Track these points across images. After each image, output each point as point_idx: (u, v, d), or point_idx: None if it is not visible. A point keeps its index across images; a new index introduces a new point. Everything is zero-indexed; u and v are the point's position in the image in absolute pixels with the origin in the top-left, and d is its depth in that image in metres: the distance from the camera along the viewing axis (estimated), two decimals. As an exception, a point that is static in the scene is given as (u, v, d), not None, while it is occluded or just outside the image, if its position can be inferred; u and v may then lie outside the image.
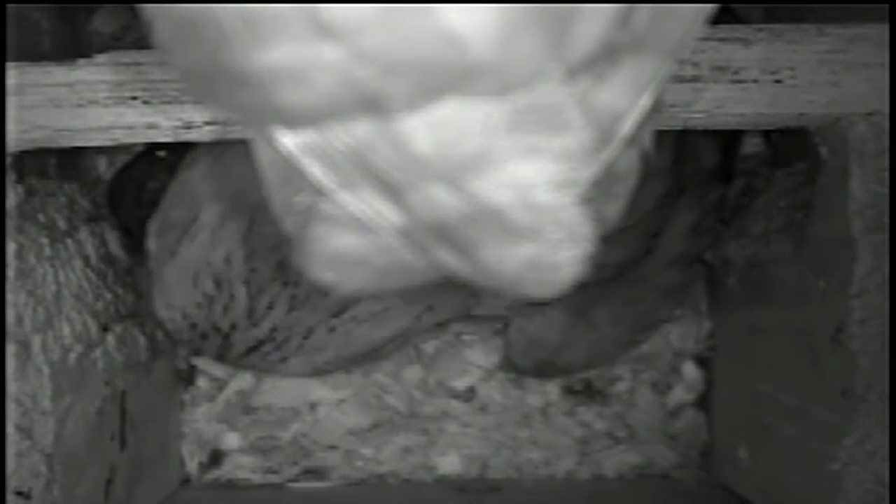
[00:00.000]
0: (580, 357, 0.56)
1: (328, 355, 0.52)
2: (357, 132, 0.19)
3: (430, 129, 0.19)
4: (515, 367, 0.58)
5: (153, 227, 0.49)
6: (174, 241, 0.48)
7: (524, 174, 0.19)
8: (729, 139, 0.53)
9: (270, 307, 0.48)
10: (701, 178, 0.52)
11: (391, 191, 0.21)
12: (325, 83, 0.18)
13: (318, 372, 0.56)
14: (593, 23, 0.18)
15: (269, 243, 0.47)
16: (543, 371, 0.57)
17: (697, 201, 0.52)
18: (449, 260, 0.23)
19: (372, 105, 0.18)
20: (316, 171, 0.21)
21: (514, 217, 0.20)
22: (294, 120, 0.20)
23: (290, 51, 0.17)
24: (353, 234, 0.23)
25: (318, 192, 0.22)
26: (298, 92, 0.18)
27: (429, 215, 0.21)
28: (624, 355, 0.60)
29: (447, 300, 0.52)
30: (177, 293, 0.48)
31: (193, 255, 0.47)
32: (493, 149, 0.19)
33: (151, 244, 0.48)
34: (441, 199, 0.20)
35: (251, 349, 0.50)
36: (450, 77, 0.18)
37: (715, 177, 0.53)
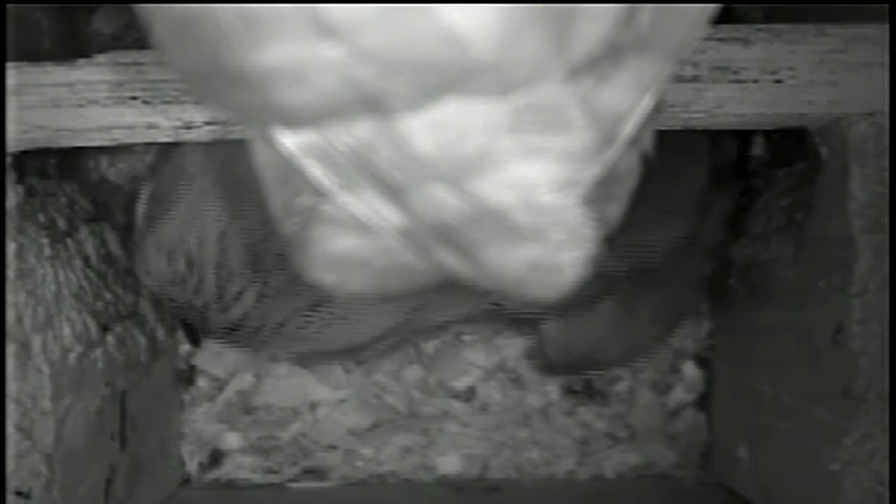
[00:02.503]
0: (620, 352, 0.55)
1: (306, 348, 0.52)
2: (358, 132, 0.19)
3: (431, 128, 0.19)
4: (545, 364, 0.56)
5: (146, 190, 0.49)
6: (158, 213, 0.48)
7: (526, 175, 0.19)
8: (745, 136, 0.54)
9: (239, 296, 0.48)
10: (729, 171, 0.52)
11: (392, 191, 0.21)
12: (326, 83, 0.18)
13: (305, 362, 0.55)
14: (596, 23, 0.18)
15: (246, 234, 0.47)
16: (577, 366, 0.56)
17: (729, 192, 0.52)
18: (450, 261, 0.23)
19: (373, 105, 0.18)
20: (317, 171, 0.21)
21: (516, 218, 0.20)
22: (294, 120, 0.20)
23: (289, 50, 0.17)
24: (354, 235, 0.23)
25: (319, 193, 0.22)
26: (298, 92, 0.18)
27: (430, 216, 0.21)
28: (658, 351, 0.59)
29: (443, 300, 0.51)
30: (154, 265, 0.48)
31: (170, 232, 0.48)
32: (495, 149, 0.19)
33: (141, 207, 0.49)
34: (442, 200, 0.20)
35: (228, 331, 0.50)
36: (450, 76, 0.18)
37: (737, 171, 0.54)
